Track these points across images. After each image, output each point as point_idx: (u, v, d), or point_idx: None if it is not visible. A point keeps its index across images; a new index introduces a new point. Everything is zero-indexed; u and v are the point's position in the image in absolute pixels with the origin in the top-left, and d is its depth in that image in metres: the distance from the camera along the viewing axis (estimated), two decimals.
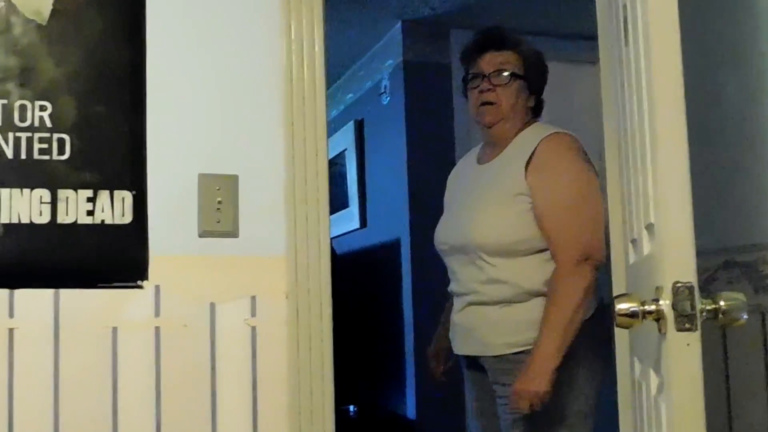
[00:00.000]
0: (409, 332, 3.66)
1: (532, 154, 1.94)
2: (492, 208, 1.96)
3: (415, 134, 3.64)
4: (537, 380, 1.80)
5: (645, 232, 1.35)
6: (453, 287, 2.09)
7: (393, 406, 3.84)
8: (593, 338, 1.90)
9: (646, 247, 1.35)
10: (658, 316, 1.16)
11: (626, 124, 1.50)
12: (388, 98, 3.86)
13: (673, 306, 1.12)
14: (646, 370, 1.38)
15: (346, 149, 4.32)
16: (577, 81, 3.56)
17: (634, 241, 1.51)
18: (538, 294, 1.91)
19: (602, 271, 1.89)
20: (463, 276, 2.01)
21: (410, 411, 3.65)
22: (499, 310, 1.95)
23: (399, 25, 3.68)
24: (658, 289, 1.17)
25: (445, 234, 2.09)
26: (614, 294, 1.75)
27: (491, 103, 2.02)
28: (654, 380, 1.31)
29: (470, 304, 2.00)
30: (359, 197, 4.21)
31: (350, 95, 4.44)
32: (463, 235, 1.98)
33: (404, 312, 3.70)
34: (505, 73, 2.02)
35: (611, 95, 1.73)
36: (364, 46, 3.99)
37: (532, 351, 1.85)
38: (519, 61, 2.04)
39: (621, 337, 1.74)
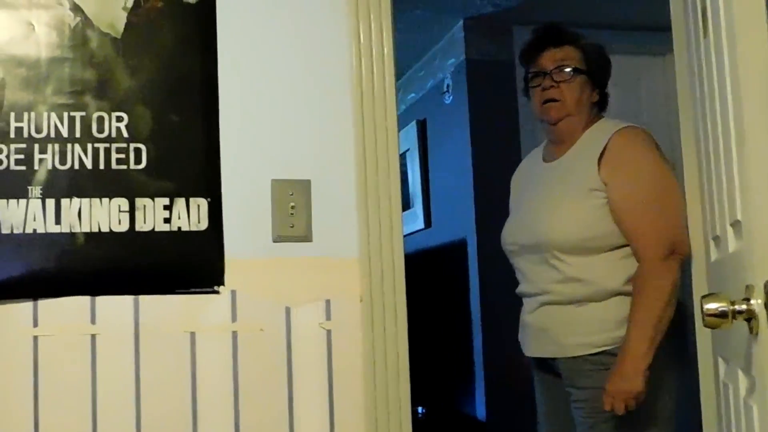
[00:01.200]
0: (477, 333, 3.63)
1: (605, 148, 1.90)
2: (565, 205, 1.92)
3: (479, 133, 3.61)
4: (631, 380, 1.76)
5: (730, 229, 1.31)
6: (523, 288, 2.05)
7: (462, 408, 3.82)
8: (675, 336, 1.86)
9: (732, 245, 1.31)
10: (749, 316, 1.12)
11: (705, 119, 1.46)
12: (451, 97, 3.84)
13: (766, 305, 1.08)
14: (734, 370, 1.34)
15: (408, 149, 4.32)
16: (642, 73, 3.49)
17: (716, 238, 1.46)
18: (617, 293, 1.87)
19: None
20: (534, 276, 1.98)
21: (480, 412, 3.63)
22: (575, 309, 1.90)
23: (461, 23, 3.66)
24: (749, 287, 1.13)
25: (513, 234, 2.06)
26: (696, 293, 1.70)
27: (555, 100, 1.99)
28: (743, 381, 1.27)
29: (543, 304, 1.96)
30: (423, 197, 4.20)
31: (412, 95, 4.43)
32: (535, 234, 1.95)
33: (472, 312, 3.68)
34: (567, 69, 1.98)
35: (686, 88, 1.69)
36: (425, 46, 3.98)
37: (621, 351, 1.81)
38: (580, 56, 2.00)
39: (703, 336, 1.70)
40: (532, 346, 2.03)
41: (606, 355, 1.84)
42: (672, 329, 1.85)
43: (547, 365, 2.01)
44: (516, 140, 3.48)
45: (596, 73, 2.03)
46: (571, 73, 1.98)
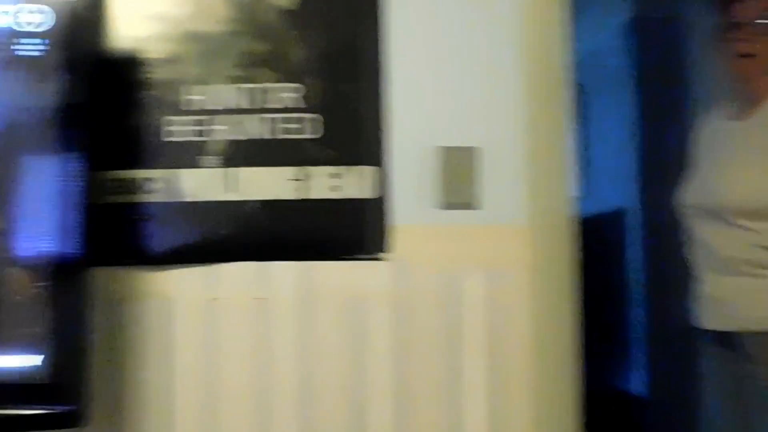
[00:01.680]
0: (639, 306, 3.50)
1: None
2: (757, 166, 1.79)
3: (645, 96, 3.45)
4: None
5: None
6: (700, 255, 1.93)
7: (623, 385, 3.71)
8: None
9: None
10: None
11: None
12: (614, 59, 3.68)
13: None
14: None
15: None
16: None
17: None
18: None
19: None
20: (716, 242, 1.86)
21: (640, 389, 3.51)
22: (761, 279, 1.78)
23: None
24: None
25: (696, 196, 1.94)
26: None
27: (752, 56, 1.84)
28: None
29: (725, 273, 1.84)
30: (582, 165, 4.08)
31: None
32: (722, 197, 1.83)
33: (632, 285, 3.55)
34: None
35: None
36: (585, 5, 3.82)
37: None
38: None
39: None
40: (711, 319, 1.92)
41: None
42: None
43: (724, 339, 1.90)
44: (686, 102, 3.29)
45: None
46: None
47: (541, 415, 1.65)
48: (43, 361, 1.35)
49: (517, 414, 1.66)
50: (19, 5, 1.40)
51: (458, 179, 1.69)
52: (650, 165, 3.41)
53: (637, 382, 3.52)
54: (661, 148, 3.04)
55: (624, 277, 3.60)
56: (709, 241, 1.89)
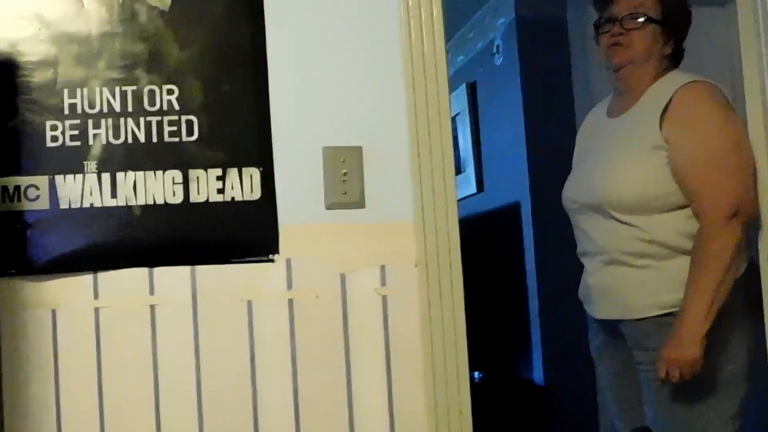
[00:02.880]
0: (533, 296, 3.60)
1: (668, 104, 1.84)
2: (626, 162, 1.86)
3: (531, 94, 3.55)
4: (688, 347, 1.72)
5: None
6: (585, 248, 2.01)
7: (520, 372, 3.81)
8: (745, 298, 1.80)
9: None
10: None
11: None
12: (501, 58, 3.77)
13: None
14: None
15: (458, 113, 4.27)
16: (702, 24, 3.35)
17: None
18: (684, 252, 1.81)
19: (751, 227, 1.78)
20: (598, 235, 1.93)
21: (537, 376, 3.61)
22: (641, 270, 1.86)
23: None
24: None
25: (575, 192, 2.01)
26: (764, 253, 1.65)
27: (619, 44, 1.93)
28: None
29: (607, 264, 1.92)
30: (475, 161, 4.16)
31: (461, 57, 4.37)
32: (596, 193, 1.90)
33: (527, 276, 3.64)
34: (640, 19, 1.91)
35: (752, 37, 1.62)
36: (474, 6, 3.90)
37: (678, 315, 1.76)
38: (656, 5, 1.92)
39: None
40: (597, 308, 1.99)
41: (673, 317, 1.79)
42: (747, 291, 1.79)
43: (610, 327, 1.97)
44: (570, 101, 3.40)
45: (672, 24, 1.94)
46: (643, 21, 1.91)
47: (435, 405, 1.68)
48: None
49: (411, 406, 1.69)
50: None
51: (344, 179, 1.70)
52: (537, 161, 3.51)
53: (537, 370, 3.62)
54: (547, 145, 3.14)
55: (521, 269, 3.69)
56: (591, 233, 1.97)
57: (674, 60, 1.97)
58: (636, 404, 1.93)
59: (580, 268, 2.07)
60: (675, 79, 1.90)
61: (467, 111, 4.20)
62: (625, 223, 1.85)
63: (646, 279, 1.85)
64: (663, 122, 1.83)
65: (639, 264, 1.86)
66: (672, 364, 1.73)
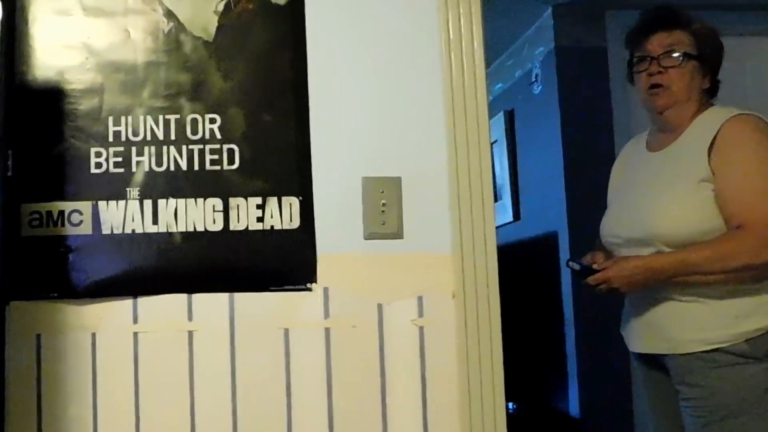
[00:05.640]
0: (570, 327, 3.56)
1: (715, 137, 1.82)
2: (674, 197, 1.84)
3: (570, 123, 3.53)
4: (624, 269, 1.81)
5: None
6: None
7: (555, 404, 3.76)
8: None
9: None
10: None
11: None
12: (540, 87, 3.76)
13: None
14: None
15: (496, 140, 4.26)
16: (750, 55, 3.31)
17: None
18: (733, 288, 1.78)
19: None
20: None
21: (573, 409, 3.56)
22: (687, 304, 1.83)
23: (550, 10, 3.58)
24: None
25: (617, 226, 1.99)
26: None
27: (662, 86, 1.91)
28: None
29: (652, 298, 1.89)
30: (512, 190, 4.14)
31: (499, 85, 4.37)
32: (642, 228, 1.88)
33: (564, 306, 3.61)
34: (676, 54, 1.90)
35: None
36: (513, 35, 3.91)
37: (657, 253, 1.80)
38: (691, 41, 1.91)
39: None
40: (640, 342, 1.96)
41: (720, 353, 1.76)
42: None
43: (654, 361, 1.94)
44: (609, 130, 3.38)
45: (708, 58, 1.93)
46: (681, 58, 1.89)
47: None
48: None
49: None
50: None
51: (383, 209, 1.70)
52: (575, 190, 3.48)
53: (573, 402, 3.57)
54: (585, 175, 3.11)
55: (557, 300, 3.66)
56: None
57: (712, 93, 1.96)
58: None
59: (618, 299, 2.04)
60: (719, 113, 1.89)
61: (504, 138, 4.19)
62: None
63: (693, 313, 1.82)
64: (711, 155, 1.81)
65: (686, 299, 1.83)
66: (602, 278, 1.83)
